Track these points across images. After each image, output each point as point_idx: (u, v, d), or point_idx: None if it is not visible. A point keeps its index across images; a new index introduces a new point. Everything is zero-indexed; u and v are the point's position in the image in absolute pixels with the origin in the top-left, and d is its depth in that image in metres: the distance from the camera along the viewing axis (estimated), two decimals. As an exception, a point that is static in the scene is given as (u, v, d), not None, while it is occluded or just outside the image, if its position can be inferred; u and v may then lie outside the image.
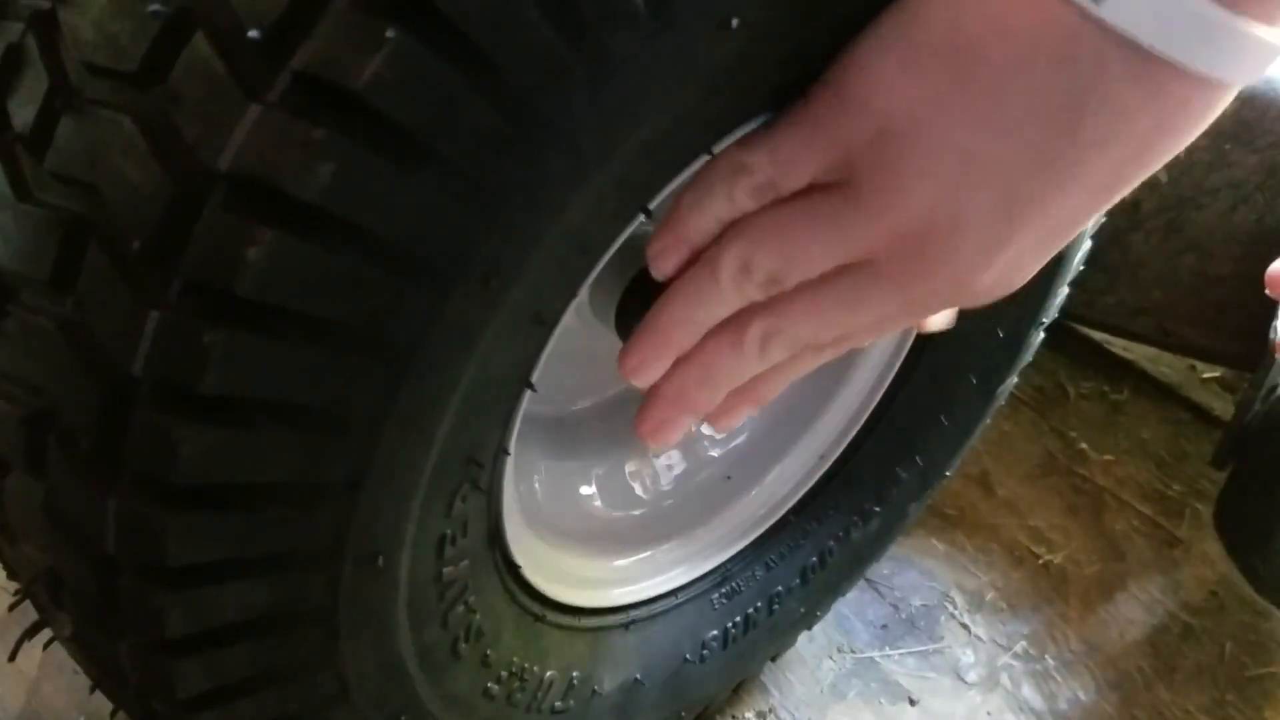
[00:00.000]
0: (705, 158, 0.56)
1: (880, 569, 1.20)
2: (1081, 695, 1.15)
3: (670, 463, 0.85)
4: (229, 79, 0.41)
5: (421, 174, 0.43)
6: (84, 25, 0.45)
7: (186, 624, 0.49)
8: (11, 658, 0.62)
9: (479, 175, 0.44)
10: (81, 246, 0.45)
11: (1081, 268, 0.90)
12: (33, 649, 1.05)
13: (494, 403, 0.55)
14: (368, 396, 0.47)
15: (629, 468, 0.83)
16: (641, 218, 0.55)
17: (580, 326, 0.73)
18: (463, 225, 0.45)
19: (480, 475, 0.58)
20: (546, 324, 0.54)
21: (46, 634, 0.67)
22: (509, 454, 0.62)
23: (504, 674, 0.69)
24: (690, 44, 0.46)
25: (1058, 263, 0.86)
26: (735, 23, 0.47)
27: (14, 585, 1.02)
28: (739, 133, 0.58)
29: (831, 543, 0.90)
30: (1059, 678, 1.16)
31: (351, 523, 0.50)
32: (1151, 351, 1.71)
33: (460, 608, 0.62)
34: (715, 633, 0.85)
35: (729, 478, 0.87)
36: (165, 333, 0.43)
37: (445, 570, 0.59)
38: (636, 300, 0.65)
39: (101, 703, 0.96)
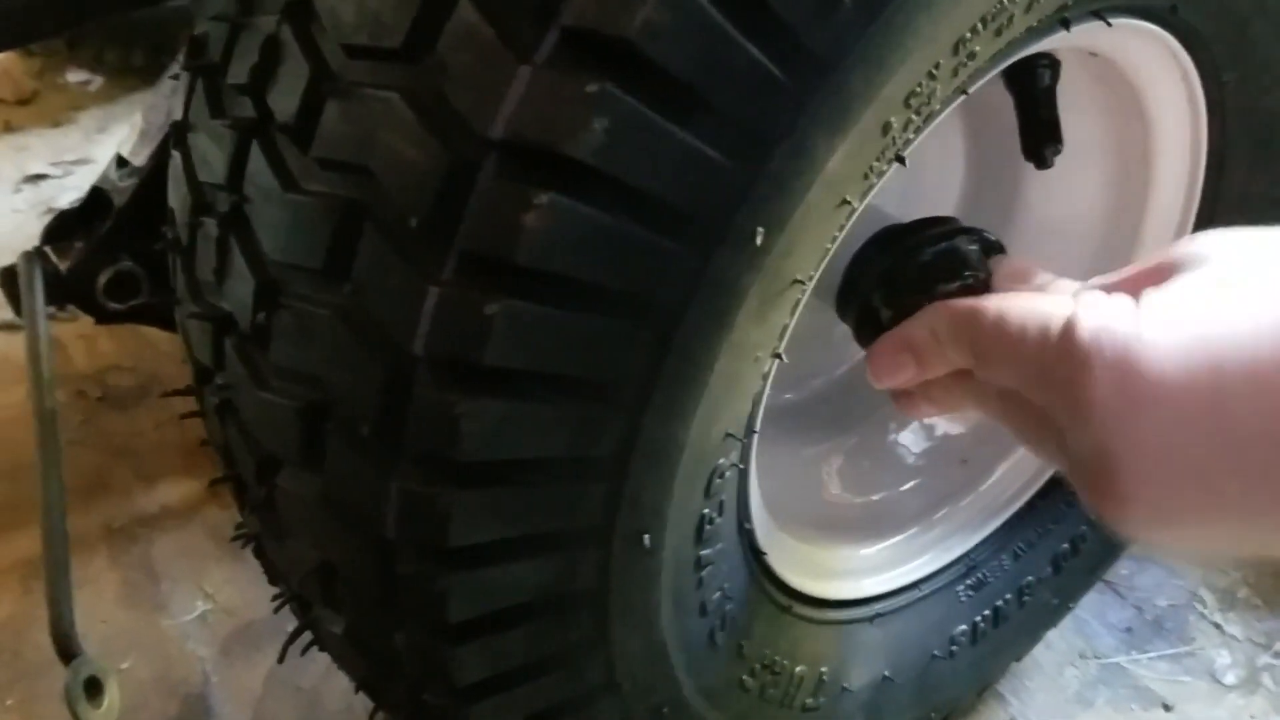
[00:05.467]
0: (960, 99, 0.53)
1: (1118, 569, 1.11)
2: (1351, 694, 1.04)
3: (909, 443, 0.81)
4: (497, 42, 0.41)
5: (693, 123, 0.41)
6: (343, 7, 0.45)
7: (466, 607, 0.49)
8: (281, 659, 0.63)
9: (749, 121, 0.42)
10: (355, 230, 0.45)
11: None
12: (257, 667, 1.10)
13: (749, 372, 0.53)
14: (637, 363, 0.46)
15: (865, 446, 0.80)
16: (895, 167, 0.52)
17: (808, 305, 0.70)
18: (733, 175, 0.43)
19: (735, 452, 0.56)
20: (802, 284, 0.52)
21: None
22: (756, 433, 0.59)
23: (757, 667, 0.66)
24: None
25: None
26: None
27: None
28: (983, 80, 0.55)
29: (1085, 527, 0.84)
30: (1324, 675, 1.05)
31: (621, 498, 0.49)
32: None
33: (716, 594, 0.60)
34: (964, 627, 0.80)
35: (965, 461, 0.83)
36: (445, 308, 0.43)
37: (703, 554, 0.57)
38: (863, 281, 0.62)
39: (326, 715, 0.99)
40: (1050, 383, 0.41)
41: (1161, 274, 0.40)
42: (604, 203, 0.42)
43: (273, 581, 0.63)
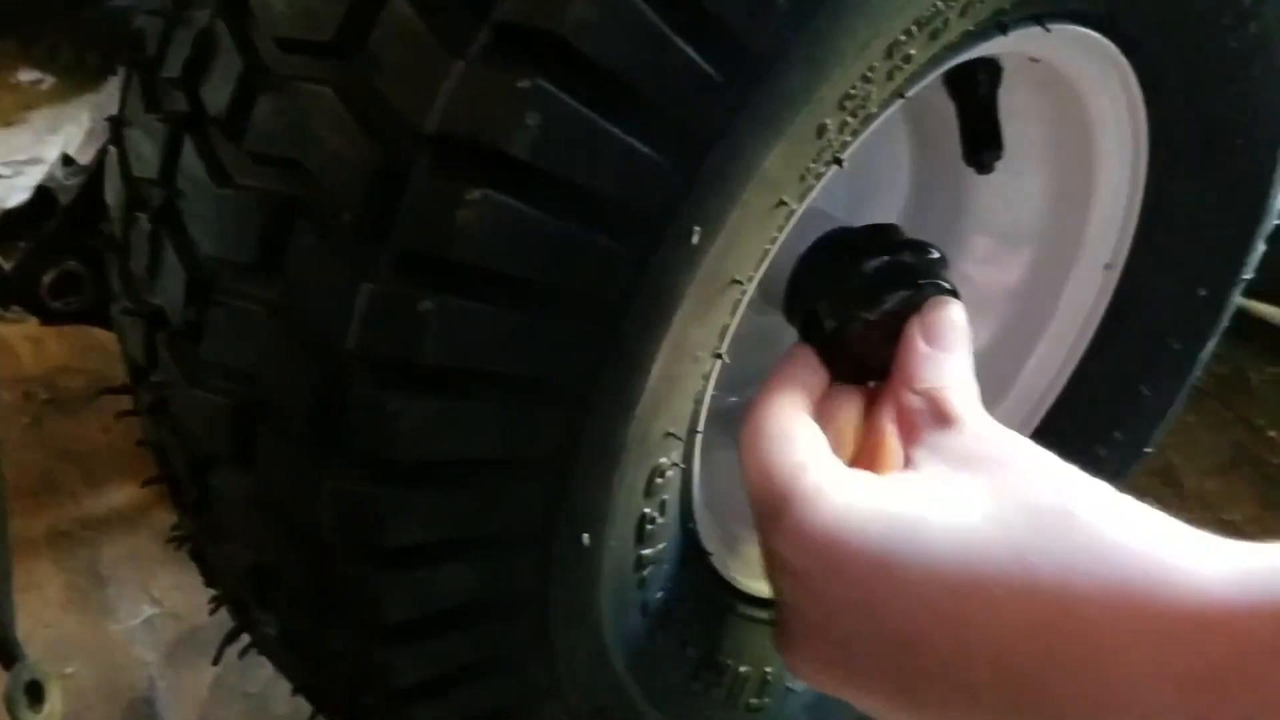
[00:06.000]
0: (898, 102, 0.53)
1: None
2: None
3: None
4: (430, 37, 0.41)
5: (627, 120, 0.41)
6: (276, 0, 0.45)
7: (404, 609, 0.48)
8: (215, 661, 0.62)
9: (683, 119, 0.42)
10: (287, 226, 0.44)
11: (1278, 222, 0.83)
12: (203, 672, 1.09)
13: (690, 372, 0.53)
14: (575, 361, 0.46)
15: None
16: (834, 169, 0.53)
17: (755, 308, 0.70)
18: (668, 173, 0.43)
19: (677, 452, 0.56)
20: (740, 285, 0.52)
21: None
22: (700, 433, 0.59)
23: (701, 667, 0.66)
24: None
25: (1257, 216, 0.80)
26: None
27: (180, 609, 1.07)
28: (920, 85, 0.55)
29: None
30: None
31: (559, 497, 0.49)
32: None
33: (659, 594, 0.60)
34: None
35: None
36: (378, 305, 0.42)
37: (645, 553, 0.57)
38: (808, 288, 0.62)
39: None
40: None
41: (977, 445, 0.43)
42: (538, 199, 0.41)
43: (209, 583, 0.62)
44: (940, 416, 0.45)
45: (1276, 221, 0.83)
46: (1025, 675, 0.33)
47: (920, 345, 0.51)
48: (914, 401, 0.48)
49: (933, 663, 0.35)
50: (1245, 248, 0.81)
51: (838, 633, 0.39)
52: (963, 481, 0.39)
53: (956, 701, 0.35)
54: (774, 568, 0.43)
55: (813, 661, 0.41)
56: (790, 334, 0.65)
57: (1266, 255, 0.84)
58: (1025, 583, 0.33)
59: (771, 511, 0.44)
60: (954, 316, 0.53)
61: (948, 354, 0.50)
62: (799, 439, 0.47)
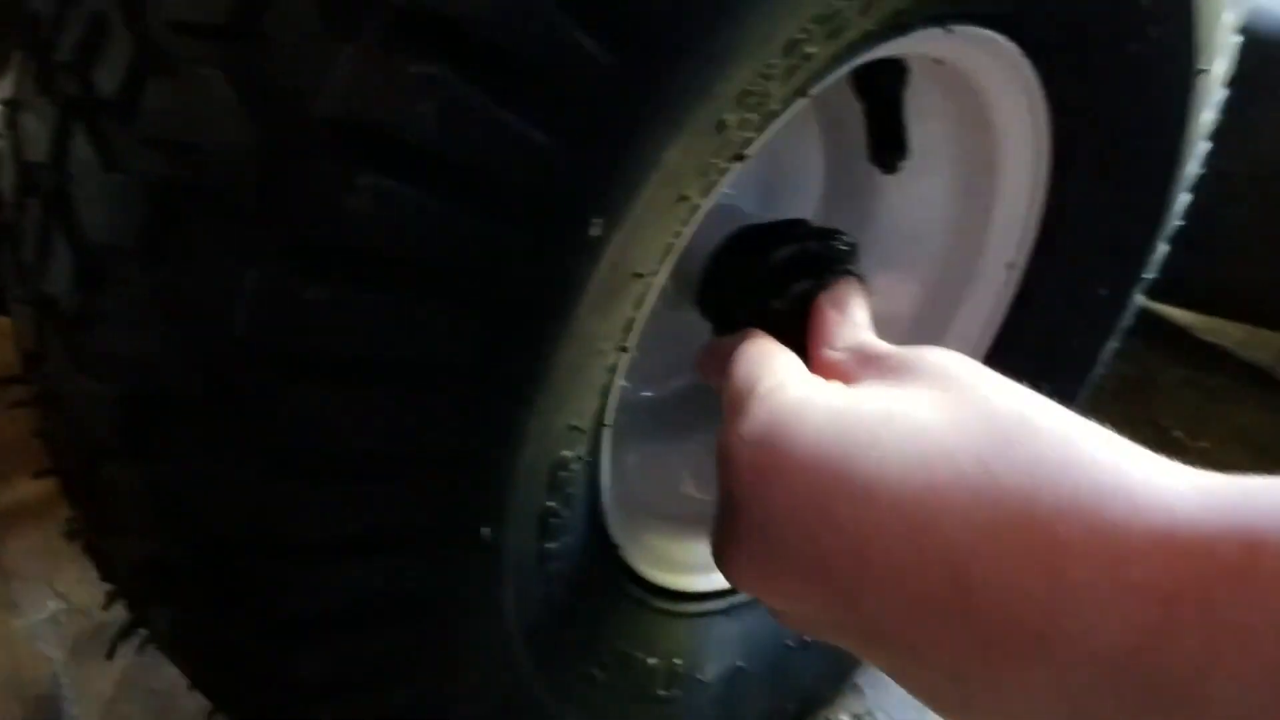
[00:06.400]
0: (801, 101, 0.54)
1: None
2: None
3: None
4: (323, 21, 0.40)
5: (524, 108, 0.41)
6: (170, -16, 0.44)
7: (300, 604, 0.48)
8: (109, 655, 0.61)
9: (582, 109, 0.42)
10: (175, 211, 0.43)
11: (1180, 224, 0.86)
12: (109, 668, 1.06)
13: (593, 364, 0.53)
14: (471, 351, 0.45)
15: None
16: (738, 165, 0.53)
17: (667, 302, 0.71)
18: (566, 163, 0.43)
19: (582, 446, 0.56)
20: (644, 278, 0.52)
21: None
22: (608, 427, 0.60)
23: (608, 659, 0.66)
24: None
25: (1157, 217, 0.83)
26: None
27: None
28: (828, 81, 0.56)
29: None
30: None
31: (459, 491, 0.49)
32: (1240, 335, 1.65)
33: (565, 588, 0.60)
34: (818, 618, 0.81)
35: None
36: (266, 292, 0.42)
37: (549, 547, 0.57)
38: (719, 279, 0.63)
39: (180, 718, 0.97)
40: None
41: (906, 371, 0.42)
42: (432, 186, 0.41)
43: (105, 578, 0.60)
44: (869, 359, 0.45)
45: (1178, 223, 0.86)
46: (984, 582, 0.33)
47: (832, 313, 0.52)
48: (837, 356, 0.48)
49: (883, 567, 0.35)
50: (1146, 248, 0.83)
51: (780, 532, 0.38)
52: (914, 393, 0.39)
53: (899, 609, 0.35)
54: (723, 465, 0.42)
55: (750, 561, 0.40)
56: (705, 328, 0.66)
57: (1172, 258, 0.87)
58: (988, 489, 0.33)
59: (732, 407, 0.43)
60: (860, 295, 0.54)
61: (857, 324, 0.51)
62: (777, 355, 0.48)
